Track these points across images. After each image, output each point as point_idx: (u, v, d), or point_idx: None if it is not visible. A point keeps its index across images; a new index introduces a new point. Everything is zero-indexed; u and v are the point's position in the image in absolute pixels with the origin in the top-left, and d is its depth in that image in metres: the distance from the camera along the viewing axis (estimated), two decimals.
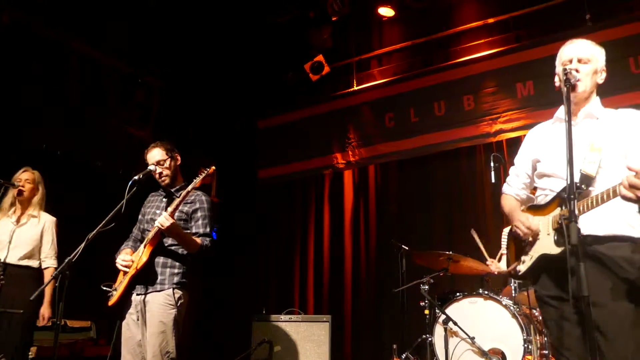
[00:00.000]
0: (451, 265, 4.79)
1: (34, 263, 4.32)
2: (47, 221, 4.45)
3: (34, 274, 4.30)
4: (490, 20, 6.54)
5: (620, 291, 2.28)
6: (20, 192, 4.37)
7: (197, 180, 3.36)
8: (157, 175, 3.62)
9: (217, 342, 7.23)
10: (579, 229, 2.04)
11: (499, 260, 4.79)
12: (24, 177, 4.42)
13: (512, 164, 2.93)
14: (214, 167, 3.37)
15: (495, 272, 4.71)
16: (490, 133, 6.25)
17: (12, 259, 4.21)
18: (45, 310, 4.16)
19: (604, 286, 2.27)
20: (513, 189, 2.86)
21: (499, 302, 4.34)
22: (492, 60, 6.38)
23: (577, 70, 2.50)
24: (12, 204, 4.41)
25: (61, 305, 2.99)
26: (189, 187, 3.37)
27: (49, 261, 4.35)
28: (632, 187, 2.11)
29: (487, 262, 4.80)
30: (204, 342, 7.16)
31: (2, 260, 4.04)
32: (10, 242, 4.25)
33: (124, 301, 3.48)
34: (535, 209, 2.64)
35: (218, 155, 7.83)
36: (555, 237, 2.43)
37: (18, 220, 4.36)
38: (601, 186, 2.33)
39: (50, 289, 4.17)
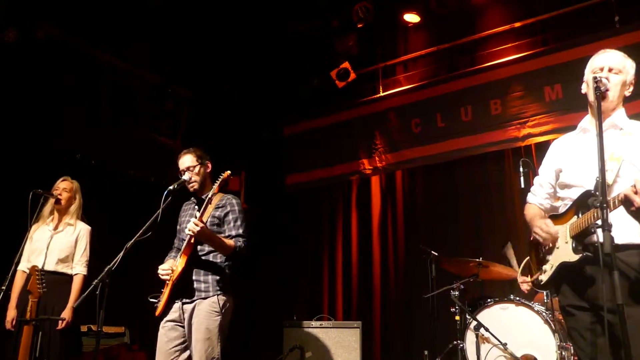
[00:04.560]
0: (481, 271, 4.79)
1: (68, 270, 4.43)
2: (82, 229, 4.56)
3: (70, 280, 4.41)
4: (517, 24, 6.50)
5: (637, 297, 2.30)
6: (57, 201, 4.49)
7: (214, 187, 3.43)
8: (185, 176, 3.68)
9: (248, 347, 7.30)
10: (612, 238, 2.05)
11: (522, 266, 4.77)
12: (62, 186, 4.55)
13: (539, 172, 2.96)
14: (228, 172, 3.43)
15: (527, 289, 4.69)
16: (518, 137, 6.21)
17: (47, 266, 4.31)
18: (66, 314, 4.20)
19: (623, 294, 2.26)
20: (537, 198, 2.89)
21: (531, 308, 4.33)
22: (519, 64, 6.34)
23: (607, 79, 2.51)
24: (52, 212, 4.54)
25: (102, 313, 3.09)
26: (209, 194, 3.42)
27: (78, 268, 4.44)
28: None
29: (519, 281, 4.78)
30: (236, 348, 7.24)
31: (41, 268, 4.13)
32: (47, 249, 4.38)
33: (167, 308, 3.56)
34: (554, 218, 2.67)
35: (246, 163, 7.96)
36: (573, 245, 2.45)
37: (55, 228, 4.49)
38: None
39: (76, 295, 4.26)
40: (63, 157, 5.84)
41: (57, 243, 4.42)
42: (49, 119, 5.83)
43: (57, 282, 4.28)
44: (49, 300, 4.13)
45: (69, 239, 4.47)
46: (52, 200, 4.49)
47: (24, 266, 4.34)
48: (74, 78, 6.09)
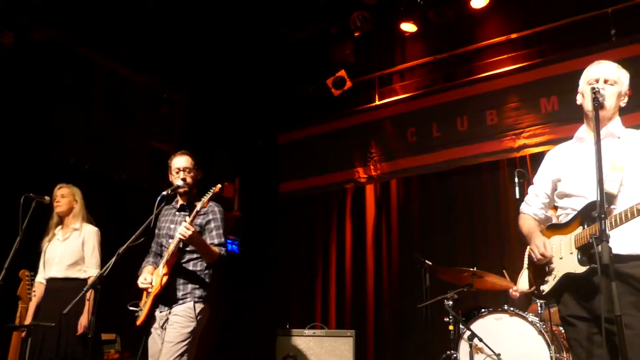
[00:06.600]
0: (475, 281, 4.77)
1: (81, 274, 4.39)
2: (88, 231, 4.51)
3: (83, 284, 4.30)
4: (514, 36, 6.53)
5: None
6: (58, 209, 4.48)
7: (204, 200, 3.40)
8: (179, 181, 3.66)
9: (241, 356, 7.25)
10: (610, 249, 2.04)
11: (520, 276, 4.76)
12: (59, 194, 4.53)
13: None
14: (219, 186, 3.43)
15: (517, 296, 4.70)
16: (513, 148, 6.23)
17: (57, 273, 4.34)
18: (83, 319, 4.19)
19: (627, 305, 2.26)
20: (531, 209, 2.87)
21: (525, 318, 4.30)
22: (516, 76, 6.37)
23: (603, 90, 2.51)
24: (58, 222, 4.54)
25: (93, 319, 3.05)
26: (198, 207, 3.40)
27: (90, 271, 4.39)
28: None
29: (512, 290, 4.79)
30: (229, 356, 7.18)
31: (53, 277, 4.20)
32: (57, 258, 4.38)
33: (150, 318, 3.56)
34: (556, 227, 2.65)
35: (240, 169, 7.94)
36: (579, 256, 2.43)
37: (64, 236, 4.47)
38: (623, 204, 2.35)
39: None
40: (55, 161, 5.78)
41: (65, 250, 4.41)
42: (42, 122, 5.78)
43: (69, 287, 4.23)
44: (62, 307, 4.09)
45: (75, 244, 4.44)
46: (54, 212, 4.49)
47: (40, 277, 4.44)
48: (67, 80, 6.05)
